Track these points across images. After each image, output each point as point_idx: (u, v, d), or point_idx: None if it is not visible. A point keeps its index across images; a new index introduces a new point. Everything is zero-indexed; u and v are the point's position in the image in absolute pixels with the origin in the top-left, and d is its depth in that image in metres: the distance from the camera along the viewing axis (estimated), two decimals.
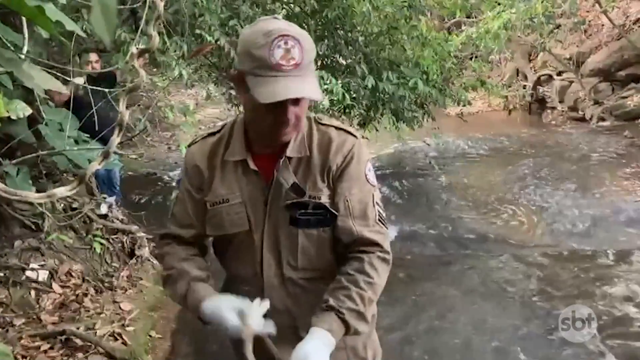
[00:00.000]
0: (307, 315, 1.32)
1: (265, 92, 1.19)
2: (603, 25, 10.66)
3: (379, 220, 1.39)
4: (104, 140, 3.09)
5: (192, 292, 1.36)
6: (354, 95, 4.98)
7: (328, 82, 4.18)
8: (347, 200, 1.35)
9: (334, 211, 1.35)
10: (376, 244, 1.36)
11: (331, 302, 1.29)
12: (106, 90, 3.26)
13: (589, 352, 3.17)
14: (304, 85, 1.21)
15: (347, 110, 5.34)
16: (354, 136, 1.40)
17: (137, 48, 1.59)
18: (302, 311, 1.38)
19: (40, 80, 1.52)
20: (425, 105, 5.73)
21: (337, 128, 1.40)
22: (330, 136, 1.37)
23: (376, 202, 1.40)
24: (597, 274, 4.14)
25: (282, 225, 1.37)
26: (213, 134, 1.45)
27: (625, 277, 4.05)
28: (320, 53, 4.89)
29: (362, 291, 1.30)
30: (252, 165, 1.36)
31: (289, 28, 1.21)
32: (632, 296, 3.77)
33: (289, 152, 1.34)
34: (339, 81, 4.39)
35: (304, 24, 4.79)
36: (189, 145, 1.47)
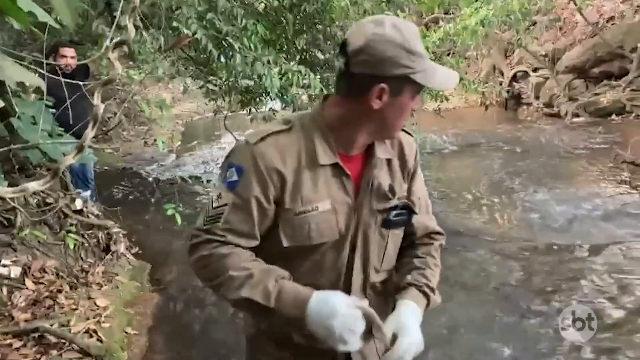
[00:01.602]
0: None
1: (441, 79, 1.25)
2: (577, 23, 10.84)
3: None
4: (79, 135, 3.04)
5: (287, 288, 1.20)
6: (333, 91, 4.97)
7: (307, 76, 4.17)
8: (420, 198, 1.44)
9: (415, 211, 1.40)
10: (440, 233, 1.50)
11: (409, 279, 1.38)
12: (81, 83, 3.20)
13: (564, 345, 3.22)
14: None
15: None
16: (411, 135, 1.46)
17: (112, 40, 1.56)
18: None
19: (13, 72, 1.48)
20: None
21: None
22: (398, 138, 1.40)
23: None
24: (571, 268, 4.21)
25: (372, 228, 1.34)
26: (280, 131, 1.29)
27: (599, 271, 4.13)
28: (299, 48, 4.88)
29: (433, 271, 1.43)
30: (346, 169, 1.29)
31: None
32: (605, 289, 3.84)
33: (379, 153, 1.33)
34: (318, 76, 4.39)
35: (282, 18, 4.77)
36: (256, 143, 1.26)
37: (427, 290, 1.38)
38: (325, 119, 1.29)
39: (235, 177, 1.26)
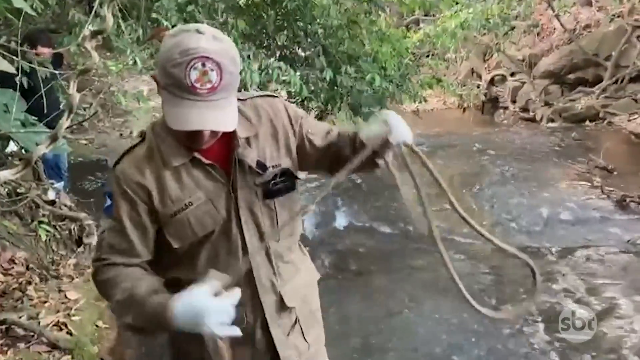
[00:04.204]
0: (288, 285, 1.45)
1: (175, 115, 1.18)
2: (555, 29, 10.98)
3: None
4: (51, 125, 2.99)
5: (150, 302, 1.23)
6: (312, 88, 4.98)
7: (286, 73, 4.16)
8: (309, 130, 1.48)
9: (296, 175, 1.45)
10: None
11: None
12: (56, 72, 3.15)
13: (532, 345, 3.28)
14: (218, 113, 1.19)
15: (305, 103, 5.34)
16: (275, 96, 1.49)
17: (90, 29, 1.54)
18: (284, 283, 1.46)
19: None
20: (382, 101, 5.77)
21: (259, 96, 1.46)
22: (262, 106, 1.43)
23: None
24: (542, 270, 4.22)
25: (256, 203, 1.38)
26: (134, 146, 1.35)
27: (568, 274, 4.20)
28: (280, 44, 4.87)
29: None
30: (205, 160, 1.32)
31: (211, 47, 1.17)
32: (573, 292, 3.91)
33: (240, 132, 1.35)
34: (298, 73, 4.38)
35: (263, 14, 4.76)
36: (114, 166, 1.33)
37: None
38: None
39: (108, 203, 1.34)
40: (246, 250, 1.37)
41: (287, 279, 1.47)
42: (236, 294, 1.18)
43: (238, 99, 1.37)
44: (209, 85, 1.16)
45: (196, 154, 1.31)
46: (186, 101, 1.16)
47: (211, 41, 1.18)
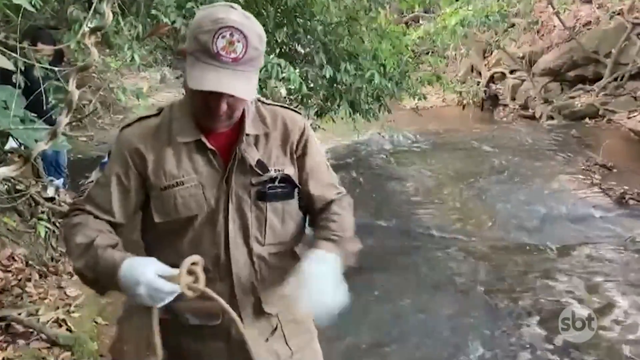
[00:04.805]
0: (271, 290, 1.43)
1: (196, 77, 1.21)
2: (555, 26, 10.97)
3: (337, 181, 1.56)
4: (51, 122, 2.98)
5: (109, 254, 1.26)
6: (312, 85, 4.98)
7: (286, 70, 4.16)
8: (315, 171, 1.46)
9: (297, 183, 1.43)
10: (338, 197, 1.52)
11: (321, 234, 1.41)
12: (56, 68, 3.14)
13: (530, 343, 3.28)
14: (237, 81, 1.22)
15: (304, 100, 5.33)
16: (299, 113, 1.50)
17: (89, 26, 1.54)
18: (266, 287, 1.44)
19: None
20: (381, 98, 5.77)
21: (282, 107, 1.47)
22: (281, 114, 1.43)
23: (329, 166, 1.55)
24: (541, 268, 4.28)
25: (247, 202, 1.38)
26: (149, 116, 1.39)
27: (567, 271, 4.20)
28: (279, 41, 4.86)
29: (335, 222, 1.45)
30: (209, 145, 1.33)
31: (240, 20, 1.21)
32: (572, 289, 3.91)
33: (248, 129, 1.36)
34: (297, 70, 4.38)
35: (263, 10, 4.75)
36: (122, 129, 1.39)
37: (332, 236, 1.40)
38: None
39: (105, 159, 1.39)
40: (229, 246, 1.38)
41: (271, 285, 1.44)
42: (176, 287, 1.22)
43: (261, 102, 1.42)
44: (233, 55, 1.20)
45: (202, 138, 1.33)
46: (209, 66, 1.20)
47: (242, 16, 1.23)
